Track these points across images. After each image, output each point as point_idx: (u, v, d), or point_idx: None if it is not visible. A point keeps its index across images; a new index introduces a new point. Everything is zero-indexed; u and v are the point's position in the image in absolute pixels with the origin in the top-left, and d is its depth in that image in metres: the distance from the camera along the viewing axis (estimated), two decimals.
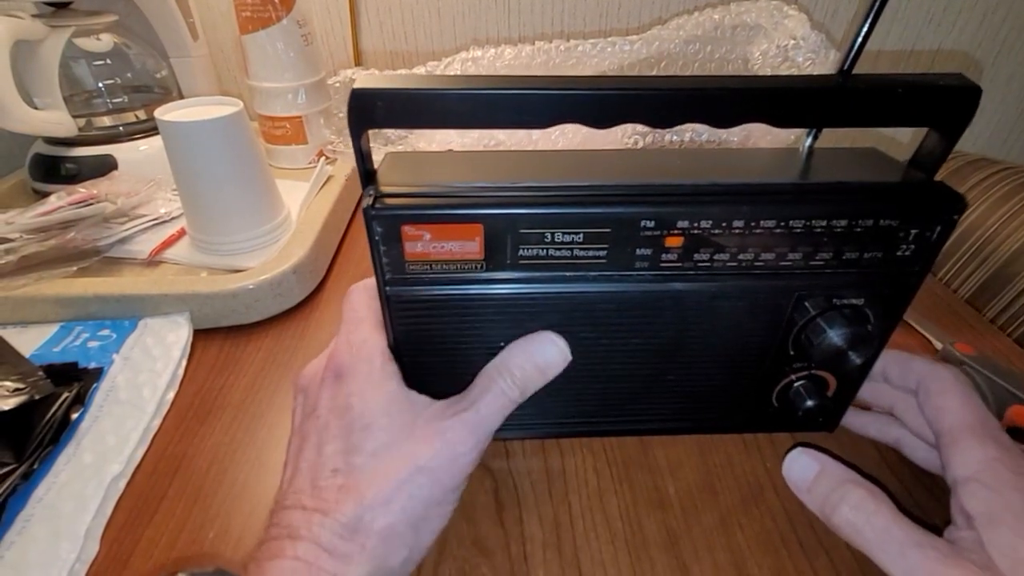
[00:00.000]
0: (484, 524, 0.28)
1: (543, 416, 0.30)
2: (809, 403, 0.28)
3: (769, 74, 0.48)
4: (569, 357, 0.25)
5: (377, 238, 0.22)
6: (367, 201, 0.22)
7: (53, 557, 0.25)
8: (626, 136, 0.49)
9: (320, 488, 0.22)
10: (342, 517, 0.20)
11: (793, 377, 0.28)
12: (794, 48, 0.47)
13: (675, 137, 0.49)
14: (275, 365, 0.37)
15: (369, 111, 0.21)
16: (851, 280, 0.24)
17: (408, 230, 0.22)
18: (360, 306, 0.26)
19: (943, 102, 0.21)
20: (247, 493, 0.29)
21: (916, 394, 0.27)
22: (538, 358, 0.25)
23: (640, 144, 0.49)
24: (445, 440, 0.22)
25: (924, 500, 0.29)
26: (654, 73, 0.51)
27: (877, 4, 0.22)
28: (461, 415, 0.23)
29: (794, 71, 0.47)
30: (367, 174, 0.23)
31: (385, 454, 0.22)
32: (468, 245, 0.23)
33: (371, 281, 0.26)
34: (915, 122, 0.22)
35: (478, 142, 0.50)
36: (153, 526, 0.27)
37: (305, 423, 0.24)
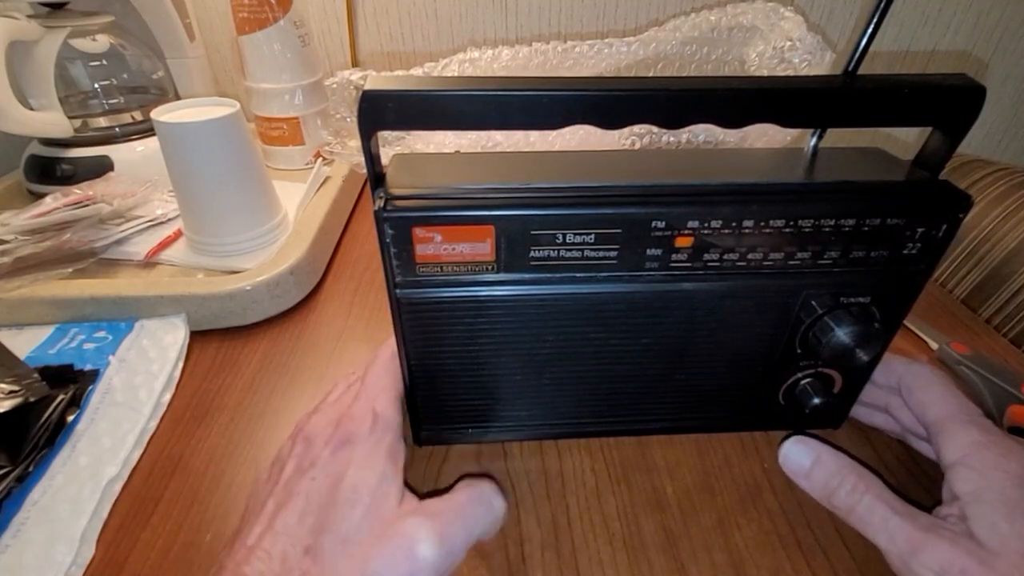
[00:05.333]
0: None
1: (552, 416, 0.30)
2: (816, 400, 0.28)
3: (766, 75, 0.48)
4: (500, 501, 0.24)
5: (388, 240, 0.22)
6: (378, 203, 0.22)
7: (48, 560, 0.25)
8: (623, 138, 0.49)
9: (289, 567, 0.20)
10: None
11: (800, 375, 0.28)
12: (790, 49, 0.47)
13: (672, 138, 0.49)
14: (272, 366, 0.37)
15: (380, 113, 0.21)
16: (858, 279, 0.25)
17: (419, 232, 0.22)
18: (385, 374, 0.26)
19: (948, 102, 0.21)
20: (244, 495, 0.29)
21: (899, 392, 0.28)
22: (491, 506, 0.23)
23: (637, 145, 0.49)
24: (402, 541, 0.20)
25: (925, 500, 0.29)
26: (651, 74, 0.51)
27: (882, 5, 0.22)
28: (427, 513, 0.21)
29: (790, 72, 0.47)
30: (377, 176, 0.23)
31: (351, 546, 0.20)
32: (479, 247, 0.23)
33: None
34: (921, 122, 0.22)
35: (475, 143, 0.50)
36: (150, 528, 0.27)
37: (297, 478, 0.22)
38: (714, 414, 0.30)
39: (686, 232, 0.23)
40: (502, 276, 0.24)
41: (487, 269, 0.23)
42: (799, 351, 0.27)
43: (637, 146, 0.49)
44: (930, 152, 0.24)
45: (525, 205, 0.22)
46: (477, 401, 0.28)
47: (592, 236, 0.23)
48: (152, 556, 0.26)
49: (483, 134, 0.50)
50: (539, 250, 0.23)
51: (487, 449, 0.31)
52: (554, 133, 0.49)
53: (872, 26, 0.23)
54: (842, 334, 0.24)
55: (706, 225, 0.23)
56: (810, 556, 0.26)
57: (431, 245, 0.23)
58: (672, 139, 0.49)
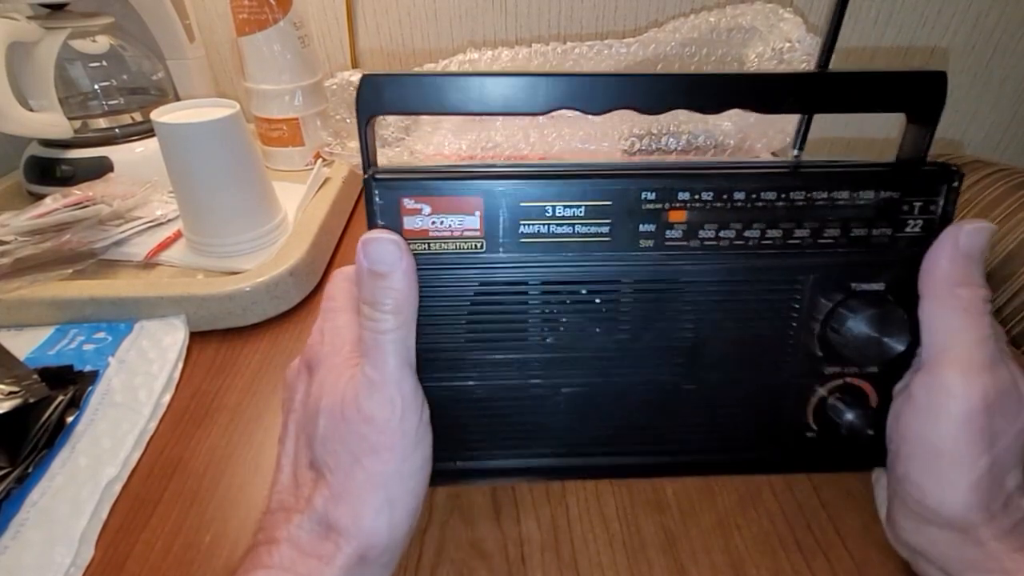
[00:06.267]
0: (481, 526, 0.27)
1: (552, 443, 0.26)
2: (850, 416, 0.24)
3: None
4: (401, 240, 0.22)
5: (376, 208, 0.22)
6: (368, 174, 0.22)
7: (48, 562, 0.25)
8: (623, 138, 0.49)
9: (299, 485, 0.21)
10: (314, 513, 0.20)
11: (826, 392, 0.26)
12: (789, 51, 0.47)
13: (672, 140, 0.49)
14: (272, 367, 0.37)
15: (378, 95, 0.21)
16: (866, 262, 0.24)
17: (407, 203, 0.22)
18: (337, 293, 0.24)
19: (911, 85, 0.23)
20: (244, 497, 0.29)
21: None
22: (370, 266, 0.22)
23: (637, 145, 0.49)
24: (363, 416, 0.21)
25: None
26: None
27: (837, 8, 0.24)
28: (358, 382, 0.21)
29: None
30: (370, 163, 0.23)
31: (332, 441, 0.21)
32: (468, 220, 0.23)
33: (352, 267, 0.24)
34: (888, 107, 0.23)
35: (475, 144, 0.50)
36: (149, 530, 0.27)
37: (287, 418, 0.24)
38: (738, 442, 0.27)
39: (677, 205, 0.23)
40: (491, 256, 0.23)
41: (476, 247, 0.23)
42: (820, 354, 0.25)
43: (636, 146, 0.49)
44: (909, 145, 0.24)
45: (514, 177, 0.23)
46: (463, 417, 0.26)
47: (582, 209, 0.23)
48: (151, 557, 0.26)
49: (483, 135, 0.50)
50: (529, 224, 0.23)
51: None
52: (554, 134, 0.49)
53: (832, 25, 0.25)
54: (861, 320, 0.23)
55: (697, 198, 0.23)
56: (810, 557, 0.26)
57: (419, 217, 0.22)
58: (672, 141, 0.49)
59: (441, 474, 0.24)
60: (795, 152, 0.28)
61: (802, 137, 0.28)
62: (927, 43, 0.71)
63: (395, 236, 0.22)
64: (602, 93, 0.22)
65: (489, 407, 0.26)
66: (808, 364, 0.25)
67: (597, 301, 0.24)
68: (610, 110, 0.22)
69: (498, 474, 0.27)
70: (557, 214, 0.23)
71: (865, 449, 0.26)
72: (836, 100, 0.23)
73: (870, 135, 0.75)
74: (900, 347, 0.23)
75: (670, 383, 0.26)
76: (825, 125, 0.74)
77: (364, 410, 0.20)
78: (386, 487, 0.20)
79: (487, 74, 0.22)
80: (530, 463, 0.27)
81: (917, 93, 0.23)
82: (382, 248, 0.21)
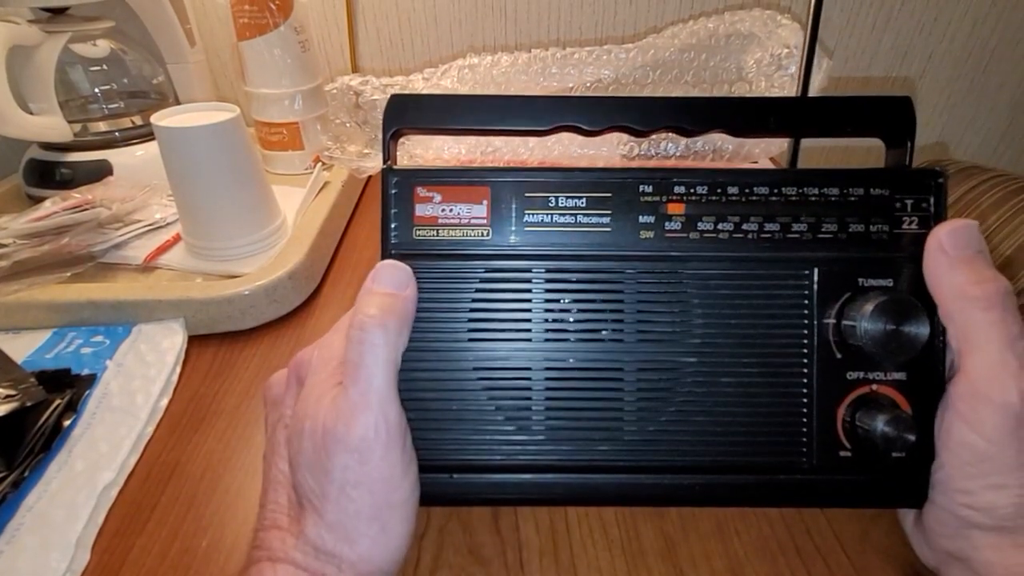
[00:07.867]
0: (480, 531, 0.27)
1: (552, 454, 0.24)
2: (882, 425, 0.22)
3: (763, 83, 0.49)
4: (411, 271, 0.23)
5: (390, 196, 0.24)
6: (385, 166, 0.25)
7: (43, 567, 0.25)
8: (622, 143, 0.49)
9: (293, 504, 0.21)
10: (308, 540, 0.20)
11: (853, 402, 0.24)
12: (787, 57, 0.47)
13: (671, 145, 0.49)
14: (270, 371, 0.37)
15: (403, 113, 0.24)
16: (869, 259, 0.24)
17: (420, 191, 0.24)
18: (345, 319, 0.24)
19: (878, 111, 0.25)
20: (241, 501, 0.29)
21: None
22: (378, 288, 0.22)
23: (636, 151, 0.49)
24: (345, 447, 0.20)
25: None
26: (649, 80, 0.52)
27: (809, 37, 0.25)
28: (339, 406, 0.20)
29: (787, 80, 0.47)
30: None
31: (316, 468, 0.20)
32: (476, 209, 0.24)
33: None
34: (859, 131, 0.25)
35: (474, 148, 0.50)
36: (145, 535, 0.27)
37: (276, 433, 0.23)
38: (759, 464, 0.24)
39: (674, 198, 0.24)
40: (497, 243, 0.24)
41: (483, 235, 0.24)
42: (839, 355, 0.24)
43: (635, 151, 0.49)
44: (891, 164, 0.25)
45: (520, 170, 0.25)
46: (463, 414, 0.24)
47: (583, 200, 0.24)
48: (148, 562, 0.26)
49: (482, 140, 0.50)
50: (533, 214, 0.24)
51: None
52: (553, 138, 0.49)
53: (806, 59, 0.26)
54: (873, 311, 0.22)
55: (692, 191, 0.24)
56: (809, 563, 0.26)
57: (430, 205, 0.24)
58: (671, 146, 0.49)
59: (436, 490, 0.23)
60: None
61: (793, 156, 0.29)
62: (924, 49, 0.71)
63: (407, 267, 0.23)
64: (598, 112, 0.25)
65: (490, 403, 0.24)
66: (829, 370, 0.24)
67: (599, 306, 0.25)
68: (606, 127, 0.25)
69: (499, 491, 0.25)
70: (560, 204, 0.25)
71: (908, 468, 0.23)
72: (811, 125, 0.25)
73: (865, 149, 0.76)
74: (921, 333, 0.22)
75: (678, 384, 0.24)
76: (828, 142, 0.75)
77: (345, 440, 0.20)
78: (378, 517, 0.20)
79: (498, 97, 0.25)
80: (534, 479, 0.24)
81: (885, 117, 0.25)
82: (395, 272, 0.23)
